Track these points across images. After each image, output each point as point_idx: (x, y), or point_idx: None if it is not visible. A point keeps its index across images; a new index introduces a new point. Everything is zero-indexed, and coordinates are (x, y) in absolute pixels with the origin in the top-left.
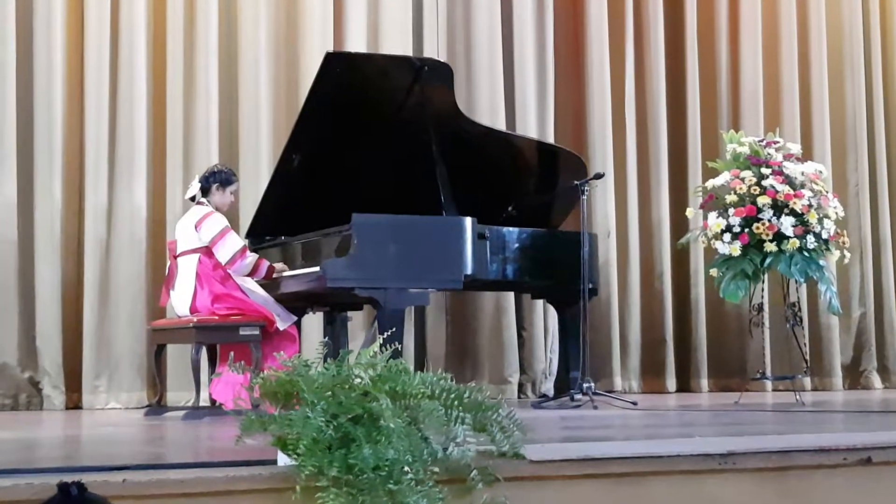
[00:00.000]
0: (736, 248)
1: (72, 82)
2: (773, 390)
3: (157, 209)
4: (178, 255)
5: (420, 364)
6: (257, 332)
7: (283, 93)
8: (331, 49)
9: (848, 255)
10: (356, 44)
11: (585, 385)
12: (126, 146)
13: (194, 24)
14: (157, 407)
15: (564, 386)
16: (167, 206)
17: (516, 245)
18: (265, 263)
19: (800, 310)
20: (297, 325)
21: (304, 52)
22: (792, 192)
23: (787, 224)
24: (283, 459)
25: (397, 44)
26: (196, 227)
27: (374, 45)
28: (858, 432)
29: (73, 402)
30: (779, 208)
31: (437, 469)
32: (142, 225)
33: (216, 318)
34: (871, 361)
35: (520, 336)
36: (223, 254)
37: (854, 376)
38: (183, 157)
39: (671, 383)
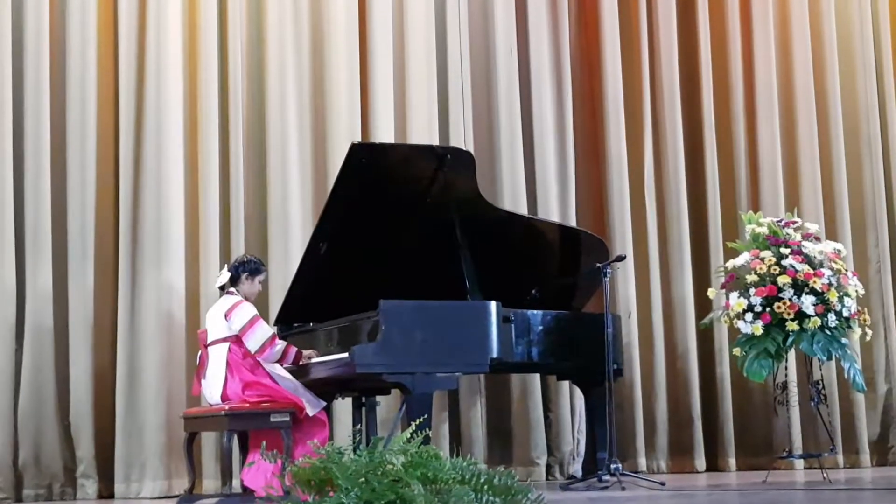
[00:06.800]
0: (758, 328)
1: (104, 171)
2: (806, 468)
3: (189, 298)
4: (209, 345)
5: (452, 446)
6: (287, 419)
7: (311, 181)
8: (358, 137)
9: (870, 332)
10: (384, 131)
11: (613, 466)
12: (157, 236)
13: (226, 110)
14: (189, 495)
15: (592, 467)
16: (201, 296)
17: (541, 327)
18: (293, 350)
19: (824, 388)
20: (327, 410)
21: (332, 140)
22: (811, 271)
23: (807, 303)
24: None
25: (424, 132)
26: (226, 317)
27: (401, 132)
28: None
29: (107, 492)
30: (799, 287)
31: None
32: (173, 314)
33: (247, 405)
34: None
35: (546, 418)
36: (253, 343)
37: (881, 452)
38: (215, 247)
39: (700, 463)
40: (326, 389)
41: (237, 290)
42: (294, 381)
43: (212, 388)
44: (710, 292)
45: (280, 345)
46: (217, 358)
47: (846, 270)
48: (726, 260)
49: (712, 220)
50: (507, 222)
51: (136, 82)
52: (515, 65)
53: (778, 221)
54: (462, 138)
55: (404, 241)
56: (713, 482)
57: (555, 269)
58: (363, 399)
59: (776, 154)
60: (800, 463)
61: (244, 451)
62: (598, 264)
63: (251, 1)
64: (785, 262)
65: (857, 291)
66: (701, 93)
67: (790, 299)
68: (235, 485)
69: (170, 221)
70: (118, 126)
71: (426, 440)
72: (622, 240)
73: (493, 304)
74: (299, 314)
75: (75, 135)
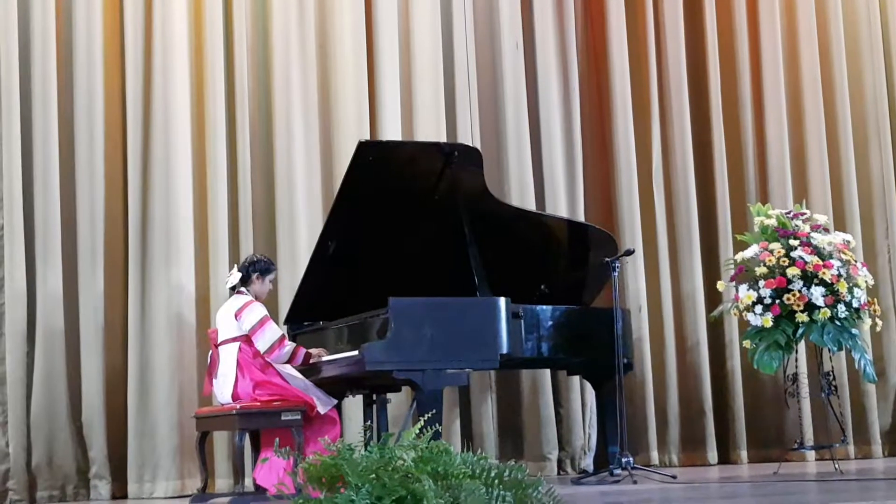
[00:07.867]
0: (768, 320)
1: (112, 174)
2: (818, 459)
3: (199, 298)
4: (219, 344)
5: (464, 442)
6: (298, 417)
7: (319, 179)
8: (366, 134)
9: (880, 322)
10: (391, 128)
11: (624, 460)
12: (166, 237)
13: (233, 109)
14: (202, 494)
15: (604, 462)
16: (210, 296)
17: (550, 323)
18: (302, 351)
19: (834, 379)
20: (338, 408)
21: (339, 138)
22: (820, 262)
23: (817, 294)
24: None
25: (431, 129)
26: (236, 316)
27: (408, 129)
28: None
29: (120, 492)
30: (808, 279)
31: None
32: (183, 314)
33: (258, 404)
34: None
35: (557, 413)
36: (262, 343)
37: (893, 442)
38: (224, 247)
39: (711, 455)
40: (337, 387)
41: (248, 290)
42: (304, 380)
43: (223, 388)
44: (720, 285)
45: (289, 346)
46: (228, 357)
47: (855, 261)
48: (735, 252)
49: (721, 213)
50: (515, 218)
51: (143, 84)
52: (521, 60)
53: (786, 213)
54: (469, 135)
55: (412, 238)
56: (725, 475)
57: (563, 265)
58: (374, 396)
59: (784, 145)
60: (811, 454)
61: (256, 450)
62: (607, 259)
63: None
64: (794, 254)
65: (866, 282)
66: (708, 85)
67: (799, 291)
68: (248, 484)
69: (178, 222)
70: (126, 128)
71: (436, 436)
72: (631, 234)
73: (502, 301)
74: (309, 313)
75: (83, 138)
